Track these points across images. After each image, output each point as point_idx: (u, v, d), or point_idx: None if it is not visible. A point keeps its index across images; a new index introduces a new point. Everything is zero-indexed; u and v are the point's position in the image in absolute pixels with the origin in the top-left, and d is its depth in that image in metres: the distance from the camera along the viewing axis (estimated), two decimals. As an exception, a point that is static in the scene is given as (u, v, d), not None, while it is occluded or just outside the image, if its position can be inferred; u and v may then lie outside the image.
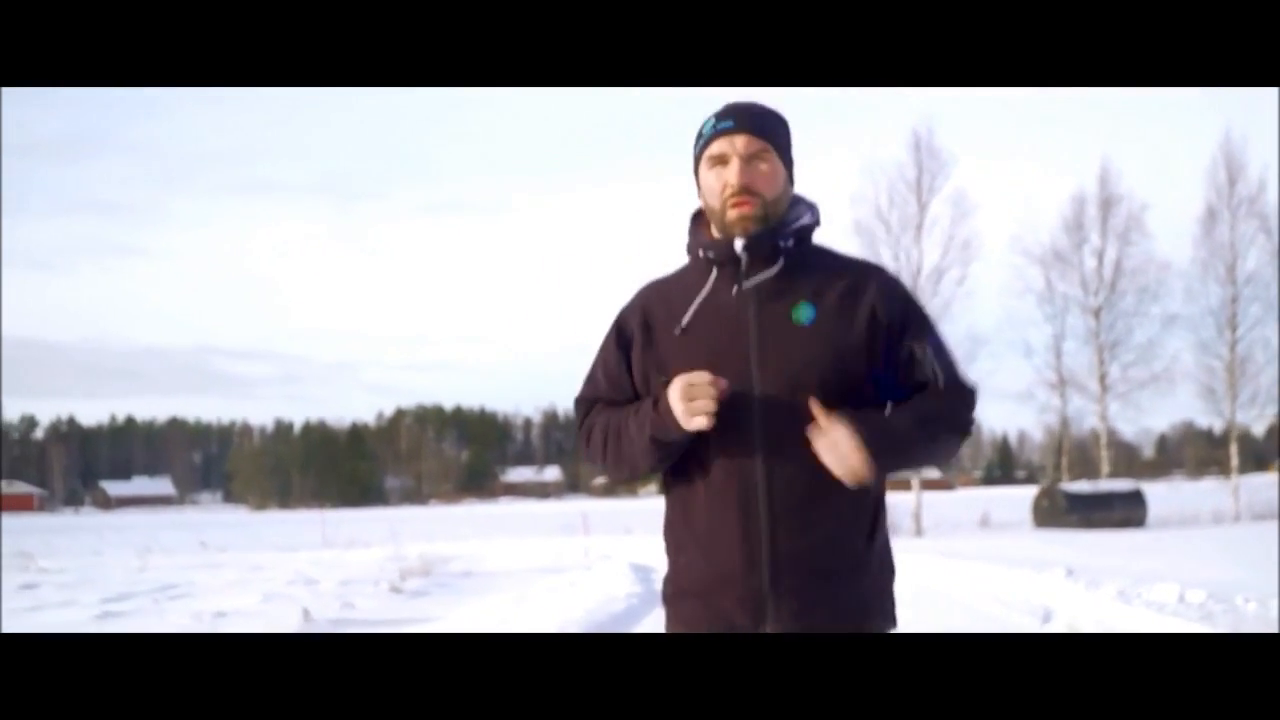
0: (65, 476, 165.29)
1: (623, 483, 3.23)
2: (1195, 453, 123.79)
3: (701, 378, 2.83)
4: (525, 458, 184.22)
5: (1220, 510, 40.32)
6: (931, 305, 37.58)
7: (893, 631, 3.06)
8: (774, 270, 2.99)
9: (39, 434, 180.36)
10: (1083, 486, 39.24)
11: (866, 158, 40.41)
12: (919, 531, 36.26)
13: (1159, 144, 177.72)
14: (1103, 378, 43.09)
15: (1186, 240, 46.64)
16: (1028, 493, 42.53)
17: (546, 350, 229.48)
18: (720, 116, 3.01)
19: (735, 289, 2.98)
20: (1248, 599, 12.21)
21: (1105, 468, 43.88)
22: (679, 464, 3.00)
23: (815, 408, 2.84)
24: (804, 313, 2.95)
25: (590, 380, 3.19)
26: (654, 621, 11.23)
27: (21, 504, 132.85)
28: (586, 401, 3.19)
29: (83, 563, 28.62)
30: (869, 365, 2.96)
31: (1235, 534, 29.54)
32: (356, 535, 42.20)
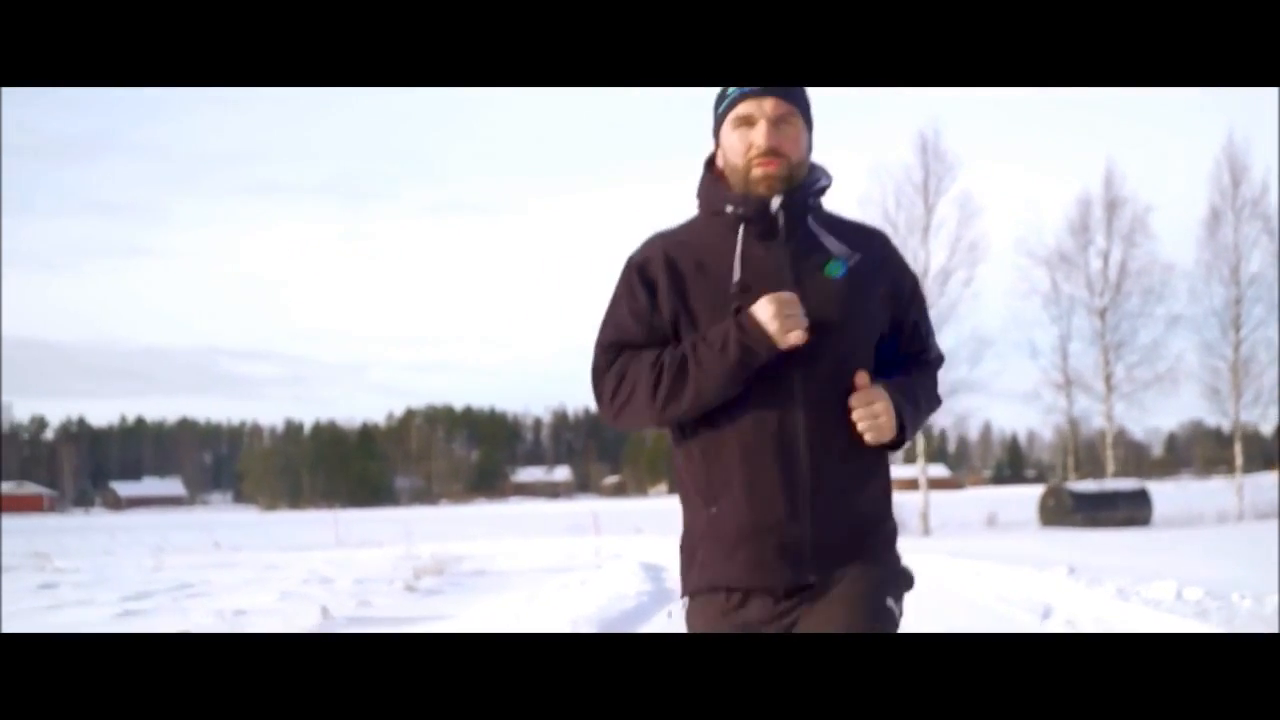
0: (75, 477, 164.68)
1: (657, 426, 3.09)
2: (1204, 452, 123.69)
3: (790, 297, 2.90)
4: (535, 458, 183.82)
5: (1225, 509, 40.45)
6: (938, 306, 37.88)
7: (895, 629, 3.07)
8: (803, 228, 3.05)
9: (49, 434, 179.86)
10: (1088, 486, 39.43)
11: (874, 160, 40.44)
12: (926, 531, 36.39)
13: (1163, 147, 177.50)
14: (1108, 378, 43.23)
15: (1191, 242, 46.79)
16: (1036, 492, 42.62)
17: (556, 351, 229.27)
18: None
19: (770, 244, 3.02)
20: (1243, 596, 12.36)
21: (1111, 467, 44.05)
22: (707, 416, 2.99)
23: (859, 375, 2.97)
24: (836, 267, 3.02)
25: (615, 326, 3.11)
26: (663, 620, 11.42)
27: (32, 504, 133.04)
28: (612, 346, 3.10)
29: (97, 562, 28.78)
30: (881, 323, 3.11)
31: (1237, 533, 29.67)
32: (368, 535, 42.32)
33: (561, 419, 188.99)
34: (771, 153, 2.99)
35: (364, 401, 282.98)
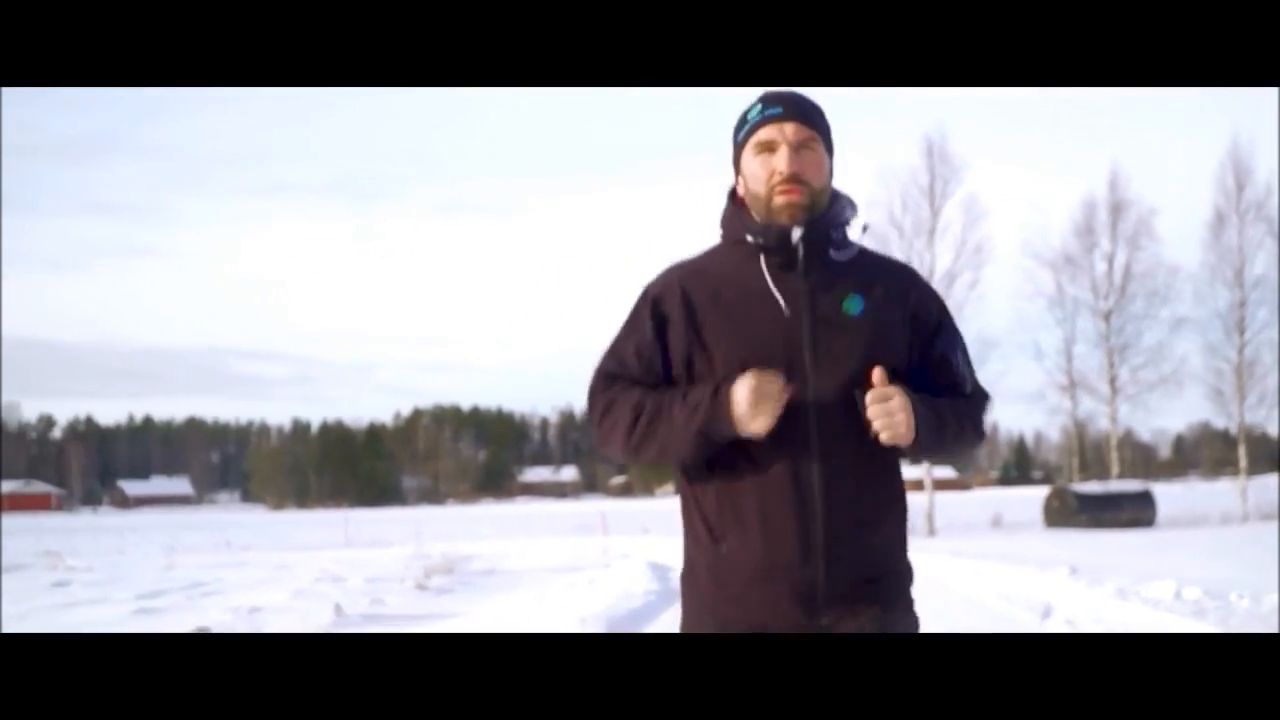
0: (83, 476, 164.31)
1: (642, 464, 3.08)
2: (1212, 453, 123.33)
3: (773, 381, 2.78)
4: (542, 458, 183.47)
5: (1229, 511, 40.60)
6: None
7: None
8: (828, 261, 2.96)
9: (57, 434, 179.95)
10: (1093, 487, 39.56)
11: (880, 163, 40.53)
12: (932, 532, 36.47)
13: (1168, 150, 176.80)
14: (1113, 380, 43.38)
15: (1195, 244, 46.98)
16: (1043, 493, 42.71)
17: (563, 351, 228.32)
18: (767, 103, 2.98)
19: (789, 276, 2.93)
20: (1241, 595, 12.54)
21: (1115, 468, 44.17)
22: (722, 450, 2.88)
23: (876, 371, 2.84)
24: (854, 304, 2.93)
25: (616, 357, 3.06)
26: (671, 618, 11.53)
27: (39, 503, 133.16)
28: (610, 376, 3.05)
29: (109, 561, 29.00)
30: (907, 361, 2.98)
31: (1240, 534, 29.84)
32: (377, 535, 42.45)
33: (569, 419, 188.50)
34: (794, 179, 2.90)
35: (371, 401, 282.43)
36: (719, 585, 2.94)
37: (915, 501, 37.72)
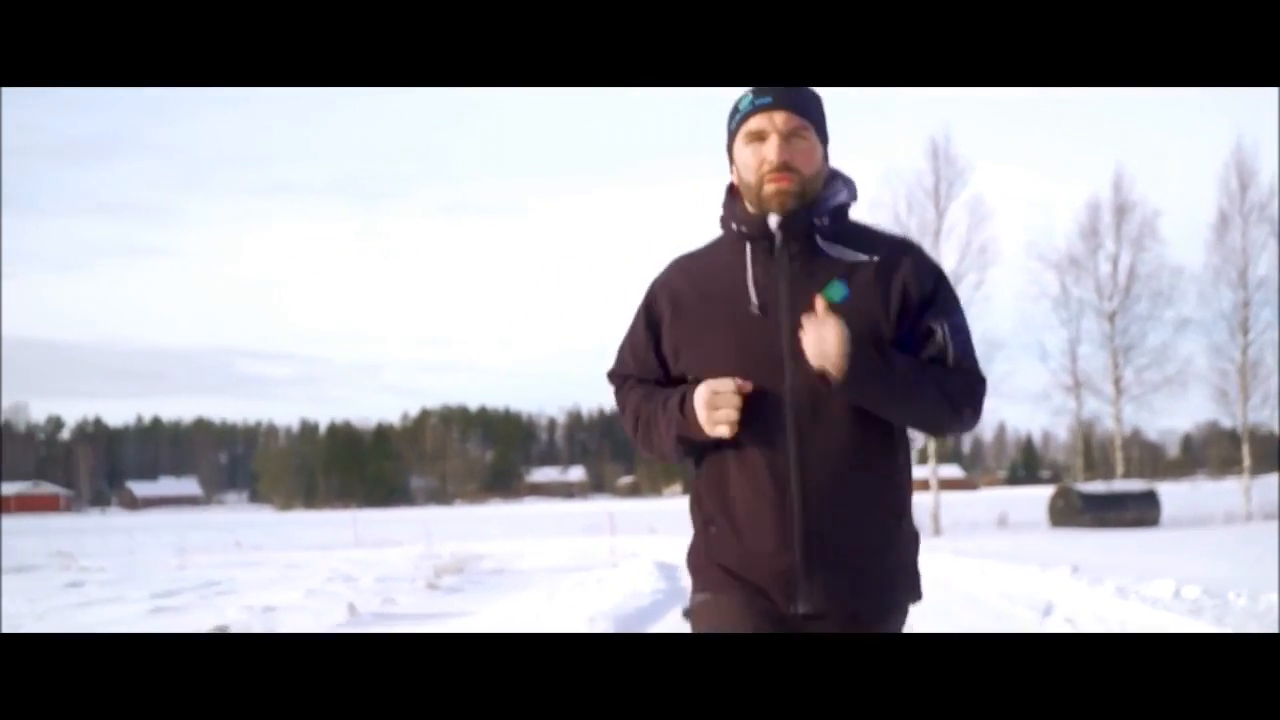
0: (92, 477, 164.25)
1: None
2: (1218, 453, 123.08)
3: (725, 385, 2.83)
4: (550, 458, 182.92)
5: (1233, 510, 40.72)
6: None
7: (909, 610, 3.09)
8: (808, 248, 2.96)
9: (65, 434, 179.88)
10: (1097, 487, 39.71)
11: (885, 165, 40.68)
12: (937, 531, 36.54)
13: (1172, 151, 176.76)
14: (1117, 380, 43.49)
15: (1199, 245, 46.86)
16: (1049, 493, 42.86)
17: (570, 351, 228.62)
18: (758, 93, 2.98)
19: (767, 266, 2.96)
20: (1239, 594, 12.65)
21: (1120, 468, 44.27)
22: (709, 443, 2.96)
23: (818, 301, 2.85)
24: (835, 291, 2.90)
25: (619, 356, 3.19)
26: (679, 616, 11.71)
27: (48, 504, 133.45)
28: (618, 377, 3.19)
29: (120, 561, 29.23)
30: (894, 336, 2.94)
31: (1242, 533, 29.92)
32: (386, 535, 42.66)
33: (576, 419, 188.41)
34: (784, 168, 2.90)
35: (379, 402, 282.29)
36: (708, 567, 3.04)
37: (920, 501, 37.61)
